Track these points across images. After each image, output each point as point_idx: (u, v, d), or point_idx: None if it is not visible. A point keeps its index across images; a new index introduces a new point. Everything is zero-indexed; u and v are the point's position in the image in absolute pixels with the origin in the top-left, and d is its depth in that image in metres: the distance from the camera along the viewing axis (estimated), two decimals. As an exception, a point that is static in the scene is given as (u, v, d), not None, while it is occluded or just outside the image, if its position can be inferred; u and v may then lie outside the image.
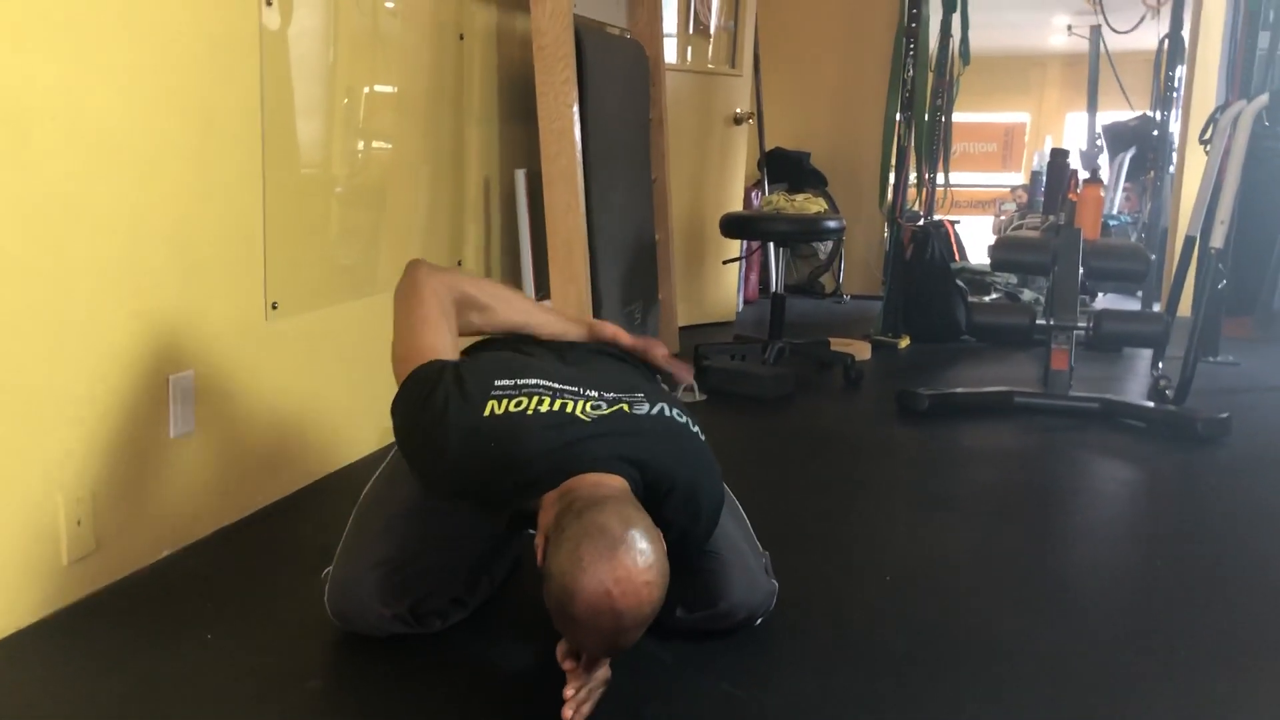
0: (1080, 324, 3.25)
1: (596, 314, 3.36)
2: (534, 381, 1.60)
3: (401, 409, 1.59)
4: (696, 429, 1.67)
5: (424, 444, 1.57)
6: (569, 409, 1.56)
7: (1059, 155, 4.04)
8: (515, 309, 1.88)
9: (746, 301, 5.75)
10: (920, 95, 4.64)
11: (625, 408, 1.60)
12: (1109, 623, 1.90)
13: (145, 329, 1.96)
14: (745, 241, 4.77)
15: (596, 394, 1.62)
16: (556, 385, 1.60)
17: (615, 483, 1.49)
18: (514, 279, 3.48)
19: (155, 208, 1.95)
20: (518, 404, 1.55)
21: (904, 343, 4.67)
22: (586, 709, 1.47)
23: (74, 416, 1.81)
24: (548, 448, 1.50)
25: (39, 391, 1.73)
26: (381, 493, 1.82)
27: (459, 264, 3.21)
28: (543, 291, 3.39)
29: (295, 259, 2.39)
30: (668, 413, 1.63)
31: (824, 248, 6.30)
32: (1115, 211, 6.82)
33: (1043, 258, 3.34)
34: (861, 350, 4.37)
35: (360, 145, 2.69)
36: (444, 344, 1.67)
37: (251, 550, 2.13)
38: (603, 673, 1.52)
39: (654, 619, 1.40)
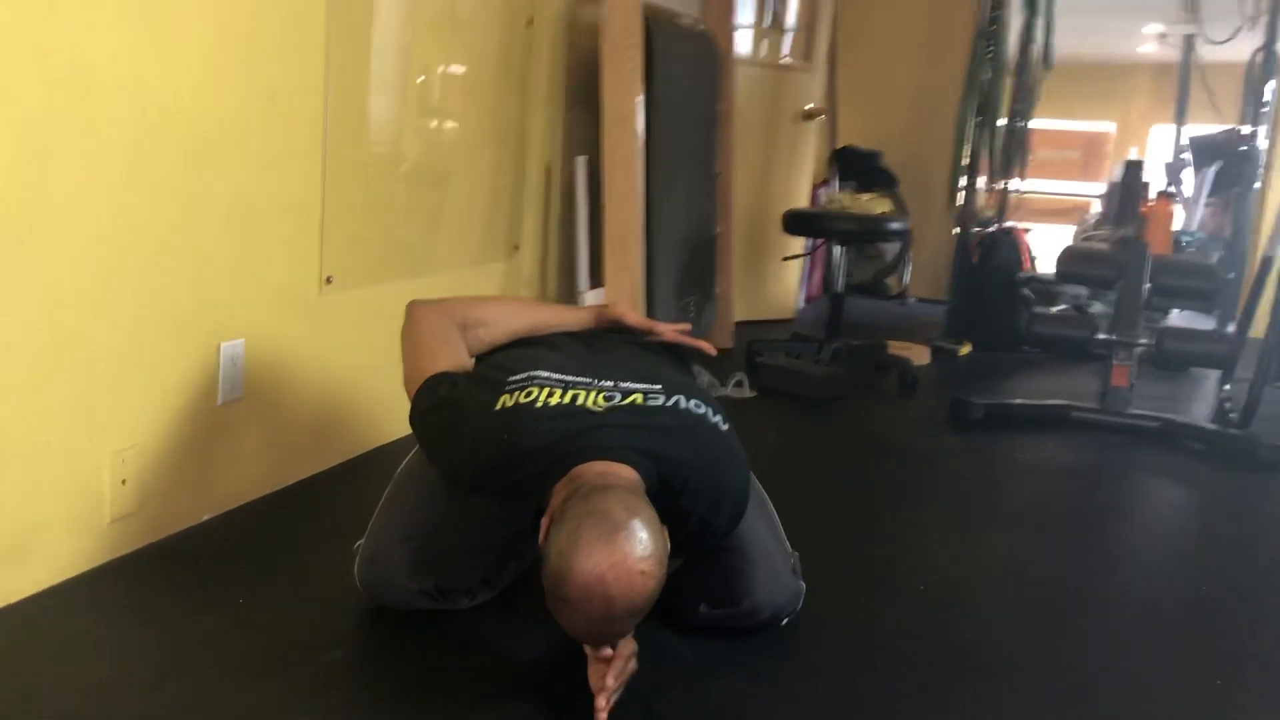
0: (1142, 341, 3.16)
1: (650, 305, 3.36)
2: (545, 374, 1.62)
3: (418, 415, 1.65)
4: (717, 419, 1.65)
5: (441, 442, 1.62)
6: (579, 400, 1.57)
7: (1133, 167, 3.93)
8: (518, 317, 1.91)
9: (808, 299, 5.70)
10: (995, 99, 4.56)
11: (639, 399, 1.60)
12: (1145, 648, 1.86)
13: (199, 295, 2.00)
14: (809, 239, 4.73)
15: (611, 384, 1.62)
16: (569, 377, 1.62)
17: (624, 472, 1.49)
18: (569, 267, 3.49)
19: (214, 178, 1.99)
20: (528, 395, 1.57)
21: (965, 349, 4.59)
22: (615, 698, 1.47)
23: (125, 378, 1.85)
24: (555, 438, 1.52)
25: (91, 350, 1.78)
26: (415, 470, 1.84)
27: (516, 248, 3.23)
28: (597, 280, 3.39)
29: (352, 235, 2.43)
30: (684, 404, 1.62)
31: (890, 248, 6.22)
32: (1196, 227, 6.64)
33: (1108, 271, 3.26)
34: (920, 355, 4.31)
35: (424, 126, 2.72)
36: (446, 363, 1.71)
37: (291, 520, 2.17)
38: (632, 665, 1.51)
39: (646, 611, 1.40)
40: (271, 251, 2.18)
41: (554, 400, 1.56)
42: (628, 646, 1.50)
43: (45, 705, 1.43)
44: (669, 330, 1.99)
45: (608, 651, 1.47)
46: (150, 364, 1.91)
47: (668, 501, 1.53)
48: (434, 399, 1.63)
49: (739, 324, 4.66)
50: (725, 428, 1.67)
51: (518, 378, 1.61)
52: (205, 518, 2.09)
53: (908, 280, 6.21)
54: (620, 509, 1.37)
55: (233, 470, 2.16)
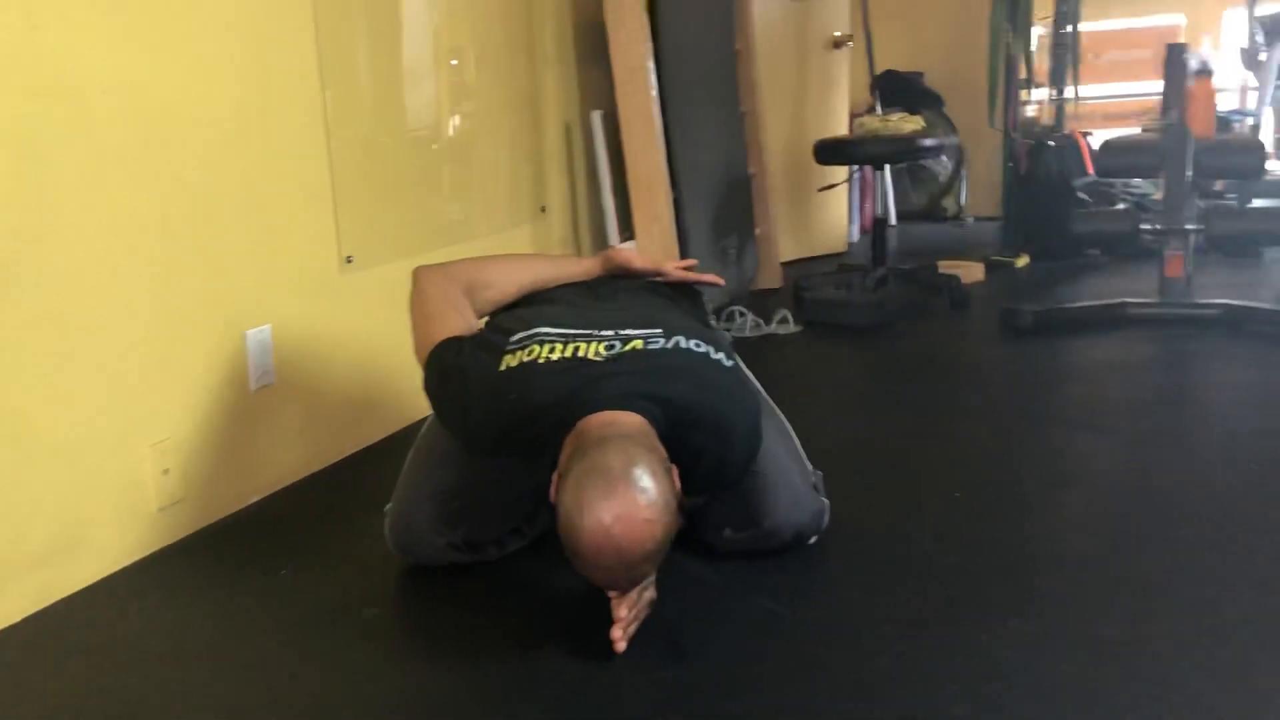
0: (1190, 226, 3.05)
1: (684, 252, 3.35)
2: (545, 330, 1.64)
3: (429, 385, 1.68)
4: (719, 356, 1.66)
5: (453, 409, 1.65)
6: (580, 352, 1.59)
7: (1174, 51, 3.77)
8: (523, 274, 1.94)
9: (863, 232, 5.62)
10: (1027, 3, 4.41)
11: (639, 344, 1.61)
12: (1184, 533, 1.81)
13: (218, 286, 2.07)
14: (852, 168, 4.66)
15: (611, 332, 1.64)
16: (569, 330, 1.64)
17: (629, 420, 1.51)
18: (598, 221, 3.50)
19: (220, 171, 2.05)
20: (530, 353, 1.59)
21: (1022, 261, 4.49)
22: (632, 629, 1.50)
23: (153, 371, 1.93)
24: (560, 394, 1.54)
25: (114, 348, 1.85)
26: (438, 428, 1.88)
27: (543, 209, 3.25)
28: (627, 233, 3.40)
29: (368, 213, 2.47)
30: (684, 344, 1.63)
31: (943, 170, 6.09)
32: (1267, 105, 6.33)
33: (1149, 159, 3.14)
34: (974, 272, 4.22)
35: (433, 97, 2.74)
36: (453, 328, 1.73)
37: (333, 495, 2.23)
38: (648, 595, 1.54)
39: (662, 553, 1.43)
40: (287, 237, 2.24)
41: (556, 355, 1.59)
42: (648, 595, 1.53)
43: (104, 686, 1.51)
44: (675, 269, 2.00)
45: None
46: (177, 356, 1.98)
47: (679, 442, 1.55)
48: (442, 366, 1.66)
49: (790, 263, 4.62)
50: (729, 364, 1.68)
51: (519, 336, 1.64)
52: (253, 499, 2.17)
53: (965, 200, 6.08)
54: (619, 460, 1.39)
55: (275, 453, 2.23)
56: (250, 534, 2.03)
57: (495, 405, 1.58)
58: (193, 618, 1.71)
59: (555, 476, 1.47)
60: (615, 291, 1.88)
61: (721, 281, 2.00)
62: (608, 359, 1.58)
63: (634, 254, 2.00)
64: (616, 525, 1.35)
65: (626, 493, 1.36)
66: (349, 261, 2.41)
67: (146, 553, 1.92)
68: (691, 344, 1.64)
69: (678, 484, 1.47)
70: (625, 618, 1.48)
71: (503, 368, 1.60)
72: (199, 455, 2.03)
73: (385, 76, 2.56)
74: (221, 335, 2.08)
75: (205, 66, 2.01)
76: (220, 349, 2.08)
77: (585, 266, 2.00)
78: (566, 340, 1.62)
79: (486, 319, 1.86)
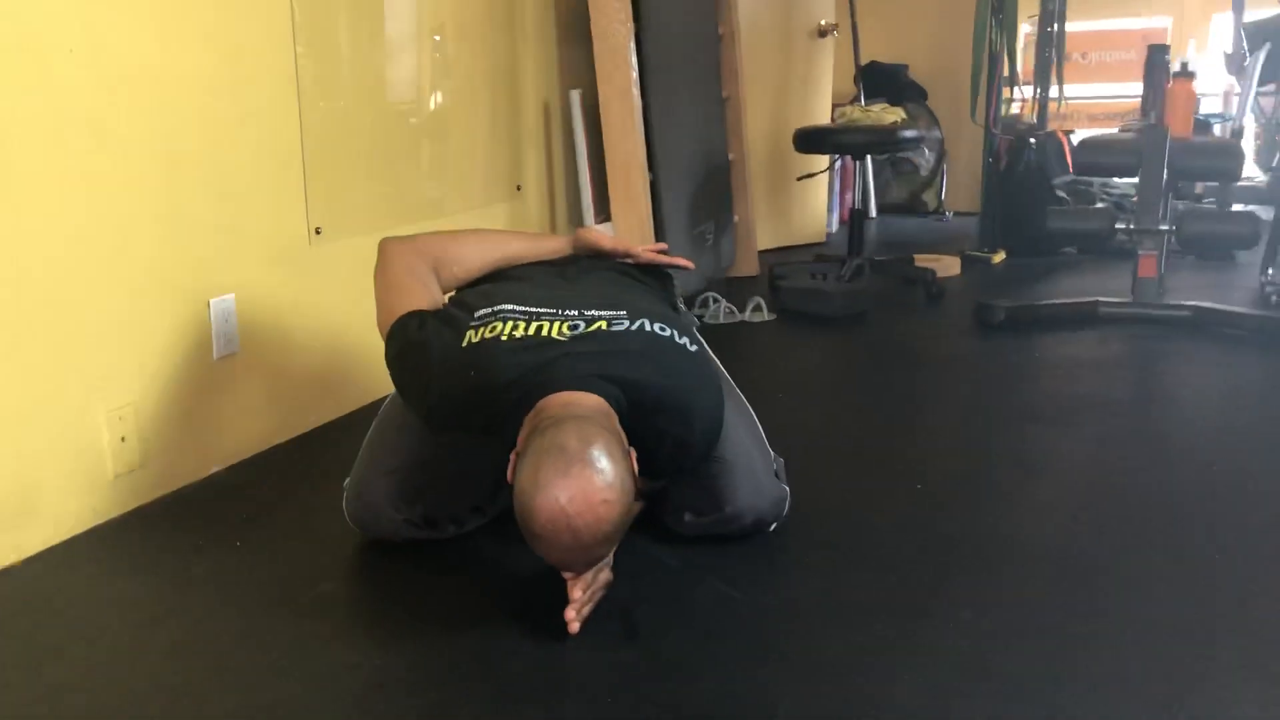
0: (1163, 227, 3.06)
1: (660, 237, 3.34)
2: (509, 307, 1.63)
3: (390, 357, 1.66)
4: (684, 340, 1.65)
5: (414, 383, 1.63)
6: (544, 330, 1.58)
7: (1155, 52, 3.79)
8: (492, 251, 1.91)
9: (842, 222, 5.62)
10: (1011, 1, 4.40)
11: (604, 325, 1.60)
12: (1145, 530, 1.82)
13: (183, 253, 2.04)
14: (832, 157, 4.66)
15: (576, 312, 1.63)
16: (532, 308, 1.63)
17: (588, 400, 1.50)
18: (574, 202, 3.48)
19: (186, 136, 2.02)
20: (492, 329, 1.58)
21: (998, 257, 4.49)
22: (587, 610, 1.50)
23: (112, 337, 1.90)
24: (521, 371, 1.53)
25: (74, 312, 1.82)
26: (399, 403, 1.85)
27: (518, 188, 3.23)
28: (603, 215, 3.38)
29: (339, 185, 2.44)
30: (649, 327, 1.63)
31: (925, 163, 6.09)
32: (1248, 111, 6.36)
33: (1126, 158, 3.15)
34: (949, 266, 4.23)
35: (409, 70, 2.72)
36: (417, 301, 1.71)
37: (297, 468, 2.21)
38: (604, 576, 1.54)
39: (619, 535, 1.43)
40: (254, 206, 2.21)
41: (519, 333, 1.58)
42: (604, 577, 1.53)
43: (50, 651, 1.49)
44: (645, 251, 1.98)
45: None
46: (138, 322, 1.95)
47: (640, 424, 1.54)
48: (404, 339, 1.65)
49: (768, 251, 4.62)
50: (694, 349, 1.68)
51: (482, 313, 1.63)
52: (214, 470, 2.14)
53: (945, 195, 6.08)
54: (575, 441, 1.38)
55: (237, 424, 2.20)
56: (208, 505, 2.01)
57: (456, 381, 1.57)
58: (145, 587, 1.69)
59: (513, 456, 1.46)
60: (582, 272, 1.86)
61: (691, 265, 1.99)
62: (571, 338, 1.57)
63: (604, 235, 1.99)
64: (572, 505, 1.34)
65: (583, 473, 1.35)
66: (318, 233, 2.38)
67: (101, 520, 1.90)
68: (656, 327, 1.63)
69: (636, 467, 1.46)
70: (580, 599, 1.47)
71: (465, 344, 1.58)
72: (158, 423, 2.00)
73: (362, 46, 2.53)
74: (185, 302, 2.05)
75: (173, 28, 1.98)
76: (183, 316, 2.05)
77: (554, 245, 1.99)
78: (530, 318, 1.61)
79: (451, 295, 1.84)
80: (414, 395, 1.65)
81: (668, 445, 1.60)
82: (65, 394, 1.82)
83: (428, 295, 1.76)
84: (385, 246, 1.84)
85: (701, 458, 1.68)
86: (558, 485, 1.34)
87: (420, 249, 1.85)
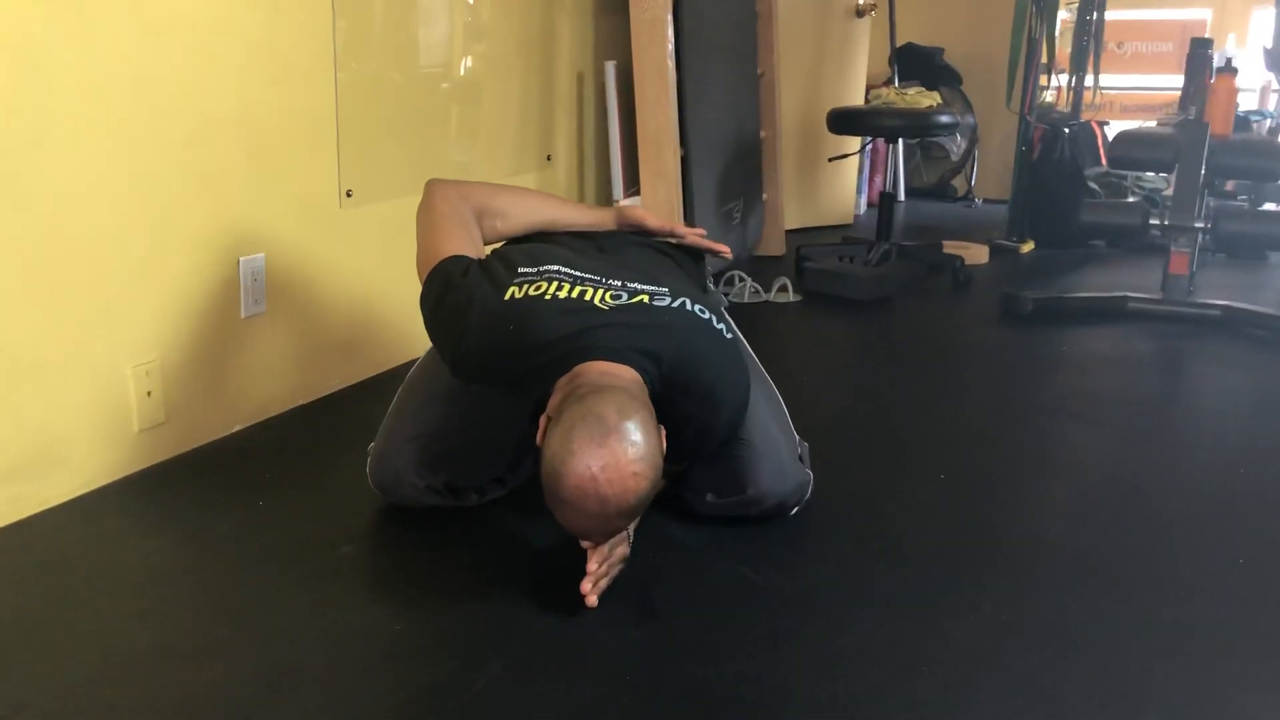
0: (1198, 224, 3.02)
1: (688, 213, 3.32)
2: (555, 268, 1.62)
3: (428, 298, 1.64)
4: (721, 326, 1.66)
5: (449, 327, 1.61)
6: (587, 296, 1.57)
7: (1198, 45, 3.72)
8: (535, 211, 1.90)
9: (870, 205, 5.57)
10: (1054, -14, 4.34)
11: (645, 299, 1.60)
12: (1165, 529, 1.81)
13: (214, 210, 2.04)
14: (864, 139, 4.61)
15: (619, 284, 1.63)
16: (578, 273, 1.62)
17: (625, 373, 1.50)
18: (604, 175, 3.46)
19: (221, 93, 2.01)
20: (537, 289, 1.57)
21: (1027, 247, 4.45)
22: (604, 584, 1.50)
23: (141, 292, 1.90)
24: (562, 333, 1.52)
25: (103, 265, 1.82)
26: (426, 371, 1.86)
27: (549, 158, 3.22)
28: (632, 188, 3.37)
29: (371, 148, 2.44)
30: (689, 307, 1.63)
31: (956, 148, 6.03)
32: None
33: (1164, 154, 3.10)
34: (978, 254, 4.19)
35: (447, 36, 2.70)
36: (461, 246, 1.69)
37: (320, 429, 2.22)
38: (621, 551, 1.54)
39: (641, 510, 1.43)
40: (287, 166, 2.20)
41: (563, 294, 1.57)
42: (620, 551, 1.53)
43: (68, 602, 1.50)
44: (690, 232, 1.97)
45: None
46: (168, 278, 1.96)
47: (668, 404, 1.54)
48: (445, 283, 1.62)
49: (794, 231, 4.58)
50: (730, 336, 1.68)
51: (527, 270, 1.62)
52: (237, 428, 2.15)
53: (975, 181, 6.02)
54: (614, 411, 1.38)
55: (261, 382, 2.21)
56: (231, 462, 2.02)
57: (493, 333, 1.56)
58: (165, 543, 1.70)
59: (544, 420, 1.46)
60: (621, 246, 1.85)
61: (730, 253, 1.98)
62: (613, 308, 1.57)
63: (648, 213, 1.97)
64: (604, 474, 1.34)
65: (619, 444, 1.35)
66: (349, 196, 2.38)
67: (124, 474, 1.91)
68: (696, 309, 1.63)
69: (664, 445, 1.46)
70: (595, 572, 1.48)
71: (508, 297, 1.57)
72: (184, 379, 2.01)
73: (396, 8, 2.51)
74: (214, 260, 2.06)
75: (214, -15, 1.97)
76: (212, 274, 2.06)
77: (598, 217, 1.96)
78: (575, 282, 1.60)
79: (493, 248, 1.82)
80: (446, 340, 1.62)
81: (691, 428, 1.60)
82: (93, 347, 1.83)
83: (471, 242, 1.74)
84: (432, 187, 1.82)
85: (720, 445, 1.68)
86: (592, 453, 1.34)
87: (467, 194, 1.82)
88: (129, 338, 1.89)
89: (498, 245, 1.86)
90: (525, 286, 1.58)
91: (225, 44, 2.01)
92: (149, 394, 1.93)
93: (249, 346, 2.17)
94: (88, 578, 1.57)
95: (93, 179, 1.78)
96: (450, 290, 1.61)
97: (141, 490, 1.88)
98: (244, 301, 2.13)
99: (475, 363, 1.60)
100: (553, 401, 1.49)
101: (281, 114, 2.17)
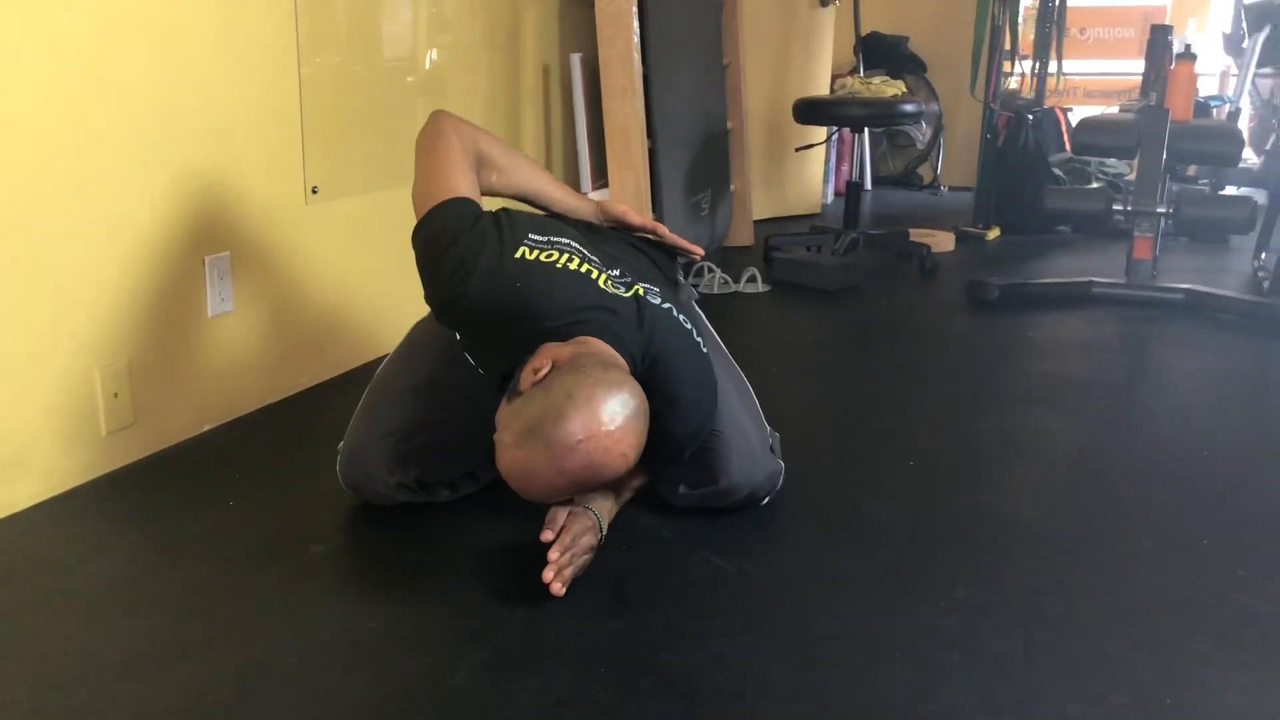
0: (1159, 209, 3.06)
1: (656, 204, 3.32)
2: (566, 241, 1.63)
3: (431, 235, 1.59)
4: (699, 340, 1.69)
5: (447, 271, 1.56)
6: (594, 276, 1.59)
7: (1158, 32, 3.77)
8: (531, 175, 1.87)
9: (837, 194, 5.60)
10: (1015, -29, 4.37)
11: (640, 292, 1.63)
12: (1131, 511, 1.84)
13: (178, 209, 2.02)
14: (830, 129, 4.62)
15: (619, 271, 1.65)
16: (586, 251, 1.64)
17: (621, 361, 1.53)
18: (572, 167, 3.46)
19: (184, 90, 1.99)
20: (548, 255, 1.58)
21: (993, 234, 4.49)
22: (568, 574, 1.51)
23: (106, 292, 1.88)
24: (570, 304, 1.54)
25: (68, 266, 1.80)
26: (397, 366, 1.86)
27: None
28: (600, 180, 3.36)
29: (337, 144, 2.42)
30: (675, 314, 1.66)
31: (921, 137, 6.07)
32: (1245, 94, 6.35)
33: (1126, 140, 3.14)
34: (944, 241, 4.22)
35: (408, 28, 2.68)
36: (467, 186, 1.66)
37: (290, 427, 2.21)
38: (587, 540, 1.55)
39: (594, 486, 1.47)
40: (251, 163, 2.19)
41: (573, 266, 1.58)
42: (576, 523, 1.54)
43: (36, 607, 1.49)
44: (669, 233, 1.97)
45: (559, 519, 1.53)
46: (132, 278, 1.94)
47: None
48: (450, 222, 1.58)
49: (762, 221, 4.60)
50: (705, 351, 1.70)
51: (539, 238, 1.61)
52: (206, 428, 2.14)
53: (940, 169, 6.07)
54: (628, 390, 1.43)
55: (231, 382, 2.19)
56: (200, 463, 2.01)
57: (499, 288, 1.54)
58: (135, 544, 1.69)
59: (529, 372, 1.44)
60: (613, 238, 1.85)
61: (701, 253, 1.99)
62: (615, 296, 1.59)
63: (630, 209, 1.96)
64: (598, 436, 1.36)
65: (623, 411, 1.39)
66: (314, 192, 2.36)
67: (92, 477, 1.89)
68: (680, 318, 1.67)
69: (645, 430, 1.47)
70: (558, 560, 1.49)
71: (518, 255, 1.56)
72: (151, 380, 1.99)
73: (362, 3, 2.49)
74: (180, 259, 2.04)
75: (174, -19, 1.95)
76: (177, 273, 2.04)
77: (586, 207, 1.93)
78: (584, 259, 1.62)
79: (500, 205, 1.80)
80: (440, 282, 1.57)
81: (654, 427, 1.59)
82: (58, 348, 1.81)
83: (472, 186, 1.69)
84: (440, 117, 1.77)
85: (674, 456, 1.68)
86: (600, 409, 1.37)
87: (474, 137, 1.77)
88: (94, 338, 1.87)
89: (504, 204, 1.84)
90: (536, 251, 1.58)
91: (187, 40, 1.99)
92: (116, 395, 1.91)
93: (217, 345, 2.15)
94: (57, 583, 1.55)
95: (55, 178, 1.76)
96: (456, 234, 1.56)
97: (110, 493, 1.86)
98: (210, 300, 2.12)
99: (466, 310, 1.56)
100: (537, 359, 1.47)
101: (245, 110, 2.15)
